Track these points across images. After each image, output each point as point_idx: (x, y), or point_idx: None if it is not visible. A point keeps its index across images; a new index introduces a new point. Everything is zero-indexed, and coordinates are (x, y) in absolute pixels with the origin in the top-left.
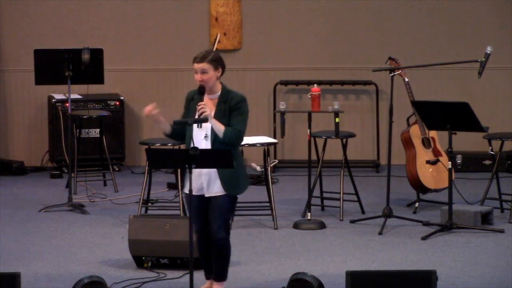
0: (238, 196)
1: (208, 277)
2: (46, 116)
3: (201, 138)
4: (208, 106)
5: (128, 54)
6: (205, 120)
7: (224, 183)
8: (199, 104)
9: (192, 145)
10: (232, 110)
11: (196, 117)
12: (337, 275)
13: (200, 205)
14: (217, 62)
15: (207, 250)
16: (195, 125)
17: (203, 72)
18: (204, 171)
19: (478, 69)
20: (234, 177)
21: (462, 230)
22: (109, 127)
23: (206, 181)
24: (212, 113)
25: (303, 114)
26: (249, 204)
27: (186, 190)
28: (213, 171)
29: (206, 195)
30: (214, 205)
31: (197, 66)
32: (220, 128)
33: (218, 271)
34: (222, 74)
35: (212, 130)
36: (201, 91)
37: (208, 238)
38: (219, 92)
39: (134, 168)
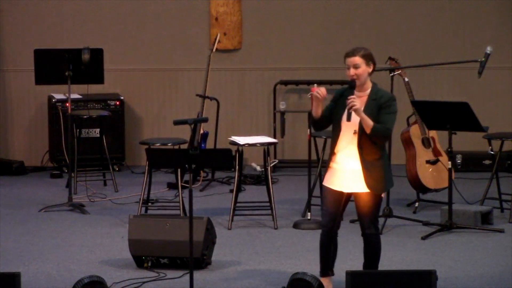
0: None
1: (325, 273)
2: (46, 116)
3: (350, 134)
4: (359, 100)
5: (128, 54)
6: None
7: (370, 178)
8: (349, 97)
9: (336, 142)
10: (381, 107)
11: (346, 110)
12: (337, 275)
13: (334, 200)
14: (369, 58)
15: (326, 246)
16: (344, 120)
17: (355, 66)
18: (347, 167)
19: (478, 69)
20: (381, 175)
21: (462, 230)
22: (109, 127)
23: (350, 178)
24: (361, 110)
25: (303, 114)
26: (249, 204)
27: (329, 185)
28: (357, 168)
29: (346, 191)
30: (359, 202)
31: (349, 60)
32: (369, 123)
33: (367, 264)
34: (373, 71)
35: (360, 126)
36: (352, 85)
37: (329, 234)
38: (369, 90)
39: (134, 168)
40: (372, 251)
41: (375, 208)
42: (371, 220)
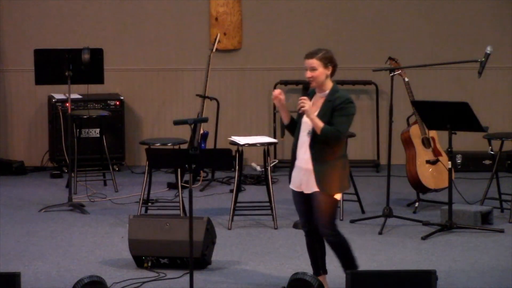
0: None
1: (317, 273)
2: (46, 116)
3: (305, 133)
4: (308, 102)
5: (128, 54)
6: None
7: (320, 178)
8: (300, 98)
9: (296, 141)
10: (335, 109)
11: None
12: (337, 275)
13: (300, 200)
14: (328, 60)
15: (311, 246)
16: (303, 120)
17: (312, 68)
18: (303, 167)
19: (478, 69)
20: (331, 175)
21: (462, 230)
22: (109, 127)
23: (305, 178)
24: (317, 112)
25: None
26: (249, 204)
27: (292, 186)
28: (311, 168)
29: (305, 192)
30: (314, 203)
31: (307, 62)
32: (319, 125)
33: (342, 264)
34: (333, 72)
35: (314, 127)
36: (306, 87)
37: (311, 234)
38: (328, 91)
39: (134, 168)
40: (336, 252)
41: (328, 209)
42: (325, 221)
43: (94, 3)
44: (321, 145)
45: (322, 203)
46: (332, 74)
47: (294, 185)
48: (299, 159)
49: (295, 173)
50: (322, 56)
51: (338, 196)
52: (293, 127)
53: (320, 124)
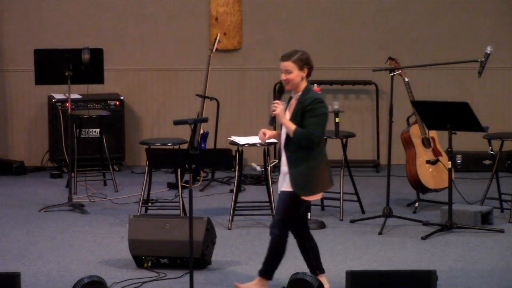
0: (305, 198)
1: (313, 273)
2: (46, 116)
3: (284, 136)
4: (280, 106)
5: (128, 54)
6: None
7: (292, 180)
8: (273, 102)
9: (282, 144)
10: (305, 111)
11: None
12: (337, 275)
13: None
14: (303, 62)
15: (302, 247)
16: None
17: (287, 71)
18: (282, 169)
19: (478, 69)
20: (302, 177)
21: (462, 230)
22: (109, 127)
23: (282, 179)
24: (283, 115)
25: None
26: (249, 204)
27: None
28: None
29: (279, 191)
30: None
31: (282, 65)
32: (290, 129)
33: (265, 260)
34: (309, 74)
35: None
36: (280, 90)
37: (299, 235)
38: (300, 93)
39: (134, 168)
40: (269, 250)
41: (287, 207)
42: (278, 218)
43: (94, 3)
44: (295, 147)
45: (284, 200)
46: (308, 76)
47: (279, 189)
48: (282, 162)
49: (280, 177)
50: (297, 58)
51: (311, 198)
52: None
53: (292, 127)
